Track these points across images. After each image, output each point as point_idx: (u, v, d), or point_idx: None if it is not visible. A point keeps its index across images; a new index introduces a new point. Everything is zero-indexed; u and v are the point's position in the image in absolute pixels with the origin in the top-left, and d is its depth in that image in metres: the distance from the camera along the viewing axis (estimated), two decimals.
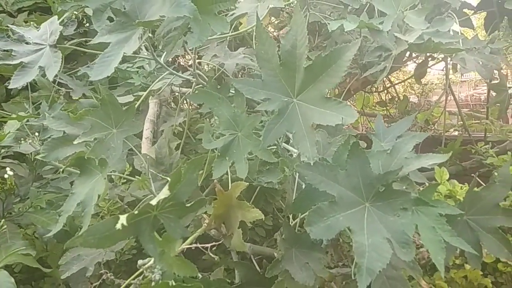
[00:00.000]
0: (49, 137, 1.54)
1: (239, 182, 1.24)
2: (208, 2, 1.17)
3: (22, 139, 1.45)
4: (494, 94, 2.47)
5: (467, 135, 2.77)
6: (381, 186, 0.91)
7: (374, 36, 1.48)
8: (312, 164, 0.87)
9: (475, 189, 1.16)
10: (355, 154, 0.91)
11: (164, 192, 0.68)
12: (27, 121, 1.63)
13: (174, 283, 0.75)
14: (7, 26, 1.32)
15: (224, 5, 1.23)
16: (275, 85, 0.93)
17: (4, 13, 2.83)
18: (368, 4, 1.71)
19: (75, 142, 1.07)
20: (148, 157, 1.56)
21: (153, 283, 0.82)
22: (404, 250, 0.88)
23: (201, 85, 1.47)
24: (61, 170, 1.27)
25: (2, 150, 1.63)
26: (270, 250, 1.55)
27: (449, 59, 2.31)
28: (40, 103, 2.14)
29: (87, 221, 1.02)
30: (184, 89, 2.16)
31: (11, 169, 1.31)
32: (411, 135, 1.17)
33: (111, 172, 1.22)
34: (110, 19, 1.25)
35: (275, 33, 2.37)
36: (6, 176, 1.31)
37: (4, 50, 1.24)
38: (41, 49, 1.24)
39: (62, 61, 1.21)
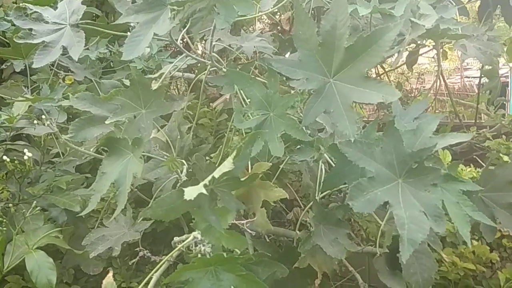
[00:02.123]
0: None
1: (262, 163, 1.26)
2: None
3: (35, 121, 1.42)
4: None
5: (458, 121, 2.86)
6: (414, 163, 0.96)
7: (386, 21, 1.51)
8: (352, 142, 0.90)
9: (490, 167, 1.22)
10: (390, 132, 0.95)
11: (227, 166, 0.70)
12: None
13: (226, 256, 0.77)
14: (24, 5, 1.29)
15: None
16: (312, 65, 0.95)
17: None
18: None
19: (107, 122, 1.07)
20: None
21: (199, 256, 0.83)
22: (436, 223, 0.93)
23: (215, 68, 1.48)
24: (91, 150, 1.26)
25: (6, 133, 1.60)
26: (284, 230, 1.59)
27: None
28: (36, 87, 2.10)
29: (123, 200, 1.03)
30: (187, 74, 2.16)
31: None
32: (429, 116, 1.22)
33: None
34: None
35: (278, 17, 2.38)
36: (25, 157, 1.29)
37: (24, 29, 1.22)
38: (61, 28, 1.22)
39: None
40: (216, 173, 0.69)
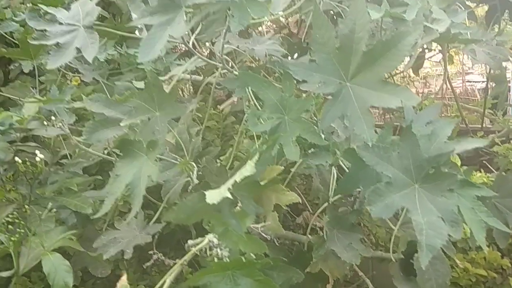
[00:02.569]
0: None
1: (274, 166, 1.26)
2: None
3: (46, 122, 1.42)
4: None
5: (464, 125, 2.86)
6: (431, 168, 0.95)
7: (397, 25, 1.51)
8: (370, 146, 0.90)
9: (503, 173, 1.22)
10: (407, 137, 0.95)
11: (249, 170, 0.70)
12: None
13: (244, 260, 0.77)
14: (37, 5, 1.29)
15: None
16: (329, 68, 0.95)
17: None
18: None
19: (121, 124, 1.07)
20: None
21: (215, 260, 0.83)
22: (453, 229, 0.92)
23: (226, 71, 1.48)
24: (107, 152, 1.26)
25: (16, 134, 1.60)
26: (294, 234, 1.59)
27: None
28: (44, 87, 2.10)
29: (137, 203, 1.03)
30: (194, 76, 2.15)
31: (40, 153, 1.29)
32: (443, 121, 1.22)
33: None
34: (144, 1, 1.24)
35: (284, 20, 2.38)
36: (37, 159, 1.29)
37: (38, 30, 1.22)
38: (75, 30, 1.22)
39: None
40: (238, 177, 0.69)
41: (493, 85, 2.46)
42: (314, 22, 0.94)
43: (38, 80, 1.99)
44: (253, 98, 1.38)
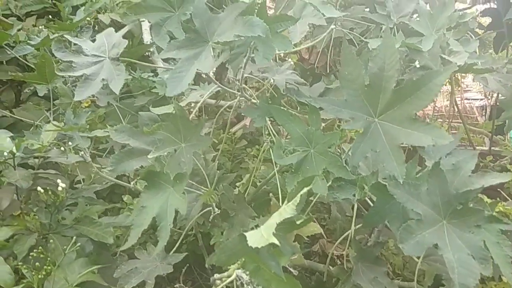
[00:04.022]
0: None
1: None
2: (272, 21, 1.19)
3: (63, 147, 1.43)
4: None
5: (471, 148, 2.87)
6: (458, 204, 0.96)
7: (414, 56, 1.53)
8: (401, 183, 0.91)
9: None
10: (435, 173, 0.96)
11: (289, 212, 0.70)
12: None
13: None
14: (64, 37, 1.31)
15: (285, 24, 1.26)
16: (357, 105, 0.96)
17: (13, 17, 2.78)
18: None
19: (149, 157, 1.07)
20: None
21: None
22: (483, 266, 0.92)
23: (244, 99, 1.50)
24: (132, 183, 1.26)
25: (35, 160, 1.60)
26: (311, 263, 1.58)
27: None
28: (57, 110, 2.11)
29: (165, 235, 1.03)
30: (209, 100, 2.17)
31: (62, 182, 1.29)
32: (465, 153, 1.23)
33: None
34: (169, 34, 1.26)
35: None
36: (59, 188, 1.29)
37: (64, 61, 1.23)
38: (100, 61, 1.23)
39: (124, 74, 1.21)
40: (278, 219, 0.69)
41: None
42: (342, 59, 0.96)
43: (50, 102, 2.00)
44: (272, 128, 1.40)
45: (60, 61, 1.35)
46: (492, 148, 2.84)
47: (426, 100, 0.90)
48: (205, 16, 1.12)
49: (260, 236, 0.66)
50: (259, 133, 2.46)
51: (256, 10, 1.14)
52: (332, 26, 1.55)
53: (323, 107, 0.97)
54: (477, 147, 2.94)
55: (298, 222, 0.76)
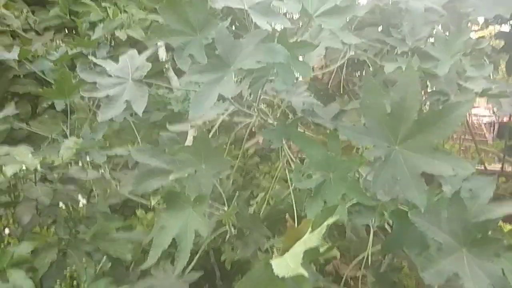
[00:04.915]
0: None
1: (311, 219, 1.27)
2: (292, 47, 1.22)
3: (85, 165, 1.46)
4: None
5: (483, 168, 2.87)
6: (478, 233, 0.97)
7: (430, 81, 1.55)
8: (422, 212, 0.92)
9: None
10: (455, 202, 0.97)
11: (314, 241, 0.72)
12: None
13: None
14: (88, 57, 1.34)
15: (305, 50, 1.28)
16: (378, 132, 0.98)
17: (32, 31, 2.85)
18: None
19: (170, 178, 1.09)
20: None
21: None
22: None
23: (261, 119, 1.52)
24: (152, 204, 1.28)
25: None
26: (324, 283, 1.58)
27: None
28: (73, 123, 2.14)
29: (185, 256, 1.04)
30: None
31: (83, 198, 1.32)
32: (482, 180, 1.23)
33: None
34: (191, 57, 1.29)
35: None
36: (80, 205, 1.31)
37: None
38: (123, 82, 1.26)
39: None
40: (303, 247, 0.71)
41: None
42: (365, 87, 0.98)
43: (68, 117, 2.03)
44: (288, 151, 1.42)
45: (78, 76, 1.38)
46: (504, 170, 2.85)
47: (447, 130, 0.92)
48: (228, 41, 1.14)
49: (286, 265, 0.67)
50: (270, 149, 2.48)
51: (277, 37, 1.17)
52: (351, 53, 1.57)
53: (344, 134, 0.99)
54: (488, 167, 2.94)
55: (321, 250, 0.77)
